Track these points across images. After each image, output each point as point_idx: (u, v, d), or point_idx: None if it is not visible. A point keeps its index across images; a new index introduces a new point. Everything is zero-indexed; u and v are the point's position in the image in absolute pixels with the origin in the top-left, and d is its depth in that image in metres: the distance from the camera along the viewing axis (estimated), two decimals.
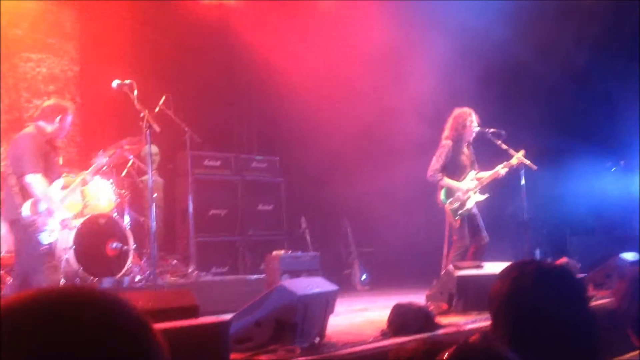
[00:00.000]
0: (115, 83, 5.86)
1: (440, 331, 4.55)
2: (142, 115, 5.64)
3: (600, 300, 5.84)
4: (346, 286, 9.28)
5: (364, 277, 9.55)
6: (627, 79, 10.94)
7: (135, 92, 5.79)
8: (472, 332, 4.34)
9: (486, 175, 6.97)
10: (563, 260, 7.10)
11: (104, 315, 1.05)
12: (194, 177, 7.99)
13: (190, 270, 6.85)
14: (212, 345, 3.20)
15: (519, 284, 1.80)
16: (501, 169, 6.93)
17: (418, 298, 5.94)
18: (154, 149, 8.37)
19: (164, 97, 7.13)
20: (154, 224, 5.77)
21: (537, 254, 9.30)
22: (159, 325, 3.04)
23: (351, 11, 9.76)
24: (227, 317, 3.76)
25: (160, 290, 5.17)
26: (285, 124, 9.81)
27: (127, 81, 5.85)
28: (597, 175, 10.49)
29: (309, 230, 9.23)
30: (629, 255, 7.19)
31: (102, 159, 6.32)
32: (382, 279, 9.71)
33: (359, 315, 5.98)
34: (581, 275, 6.15)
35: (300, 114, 9.68)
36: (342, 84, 9.63)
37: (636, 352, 2.46)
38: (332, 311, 4.55)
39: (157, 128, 5.65)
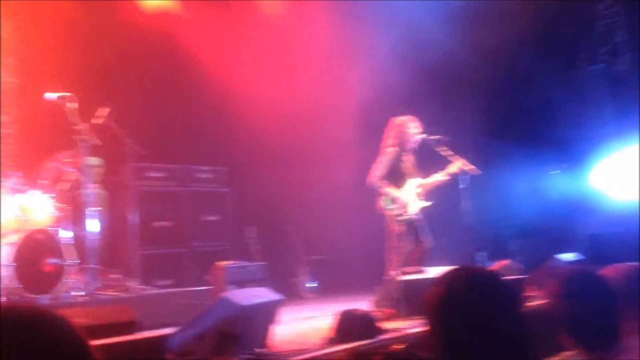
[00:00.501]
0: (54, 95, 5.72)
1: (385, 336, 4.58)
2: (80, 128, 5.51)
3: (540, 300, 5.98)
4: (293, 294, 9.27)
5: (311, 285, 9.55)
6: (567, 82, 11.28)
7: (76, 105, 5.65)
8: (415, 336, 4.39)
9: (428, 182, 7.07)
10: (505, 262, 7.25)
11: (40, 333, 1.07)
12: (137, 189, 7.87)
13: (133, 284, 6.72)
14: None
15: (452, 290, 1.83)
16: (442, 177, 7.04)
17: (364, 304, 5.98)
18: (97, 161, 8.21)
19: (106, 109, 7.00)
20: (91, 238, 5.63)
21: (481, 256, 9.46)
22: (96, 342, 2.98)
23: (294, 15, 9.78)
24: (167, 331, 3.71)
25: (98, 306, 5.05)
26: (232, 134, 9.74)
27: (67, 93, 5.72)
28: (540, 178, 10.75)
29: (256, 240, 9.19)
30: (567, 256, 7.39)
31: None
32: (329, 287, 9.74)
33: (305, 323, 5.98)
34: (523, 277, 6.29)
35: (246, 124, 9.63)
36: (288, 91, 9.62)
37: (570, 353, 2.52)
38: (276, 321, 4.54)
39: (96, 141, 5.53)
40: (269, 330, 4.36)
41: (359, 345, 4.27)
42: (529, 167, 10.74)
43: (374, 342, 4.38)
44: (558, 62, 11.83)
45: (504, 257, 8.24)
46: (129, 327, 3.46)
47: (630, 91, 10.71)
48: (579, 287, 2.45)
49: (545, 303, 2.69)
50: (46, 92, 5.81)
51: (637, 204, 9.66)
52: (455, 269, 1.92)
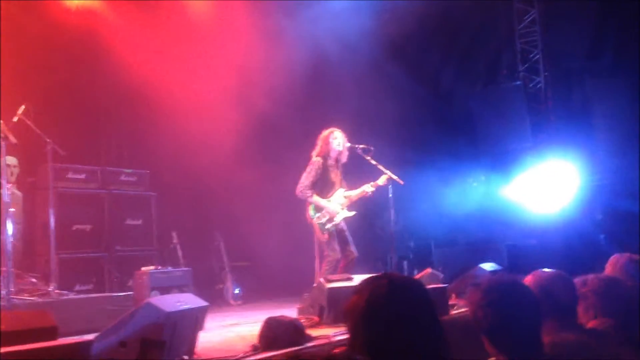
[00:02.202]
0: None
1: (311, 343, 4.58)
2: None
3: (461, 309, 6.13)
4: (219, 301, 9.17)
5: (237, 291, 9.47)
6: (488, 97, 11.66)
7: None
8: (341, 343, 4.41)
9: (354, 193, 7.16)
10: (427, 270, 7.40)
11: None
12: (55, 190, 7.58)
13: (50, 288, 6.46)
14: None
15: (371, 297, 1.86)
16: (368, 189, 7.15)
17: (290, 311, 5.97)
18: (12, 160, 7.86)
19: (23, 107, 6.73)
20: (8, 240, 5.38)
21: (405, 265, 9.65)
22: (13, 348, 2.83)
23: (220, 17, 9.71)
24: (89, 337, 3.58)
25: (15, 311, 4.83)
26: (156, 136, 9.56)
27: None
28: (461, 190, 11.06)
29: (180, 245, 9.03)
30: (487, 266, 7.62)
31: None
32: (255, 293, 9.69)
33: (231, 330, 5.91)
34: (444, 285, 6.44)
35: (171, 126, 9.48)
36: (213, 94, 9.54)
37: (492, 359, 2.58)
38: (202, 327, 4.46)
39: (13, 139, 5.29)
40: (194, 337, 4.28)
41: (285, 353, 4.25)
42: (450, 179, 11.04)
43: (300, 349, 4.38)
44: (479, 77, 12.25)
45: (426, 266, 8.43)
46: (50, 333, 3.32)
47: (545, 108, 11.19)
48: (501, 294, 2.50)
49: (468, 311, 2.74)
50: None
51: (552, 217, 10.09)
52: (375, 277, 1.95)
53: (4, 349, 2.75)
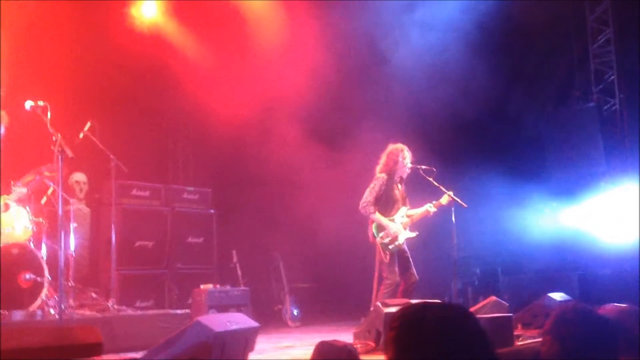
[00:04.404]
0: (28, 104, 5.58)
1: None
2: (54, 139, 5.36)
3: (527, 340, 5.82)
4: (277, 322, 9.08)
5: (295, 313, 9.35)
6: (559, 119, 11.25)
7: (49, 115, 5.51)
8: None
9: (417, 212, 6.93)
10: (492, 299, 7.09)
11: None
12: (119, 206, 7.70)
13: (110, 303, 6.52)
14: None
15: (403, 327, 1.70)
16: (431, 208, 6.91)
17: (347, 336, 5.80)
18: (82, 177, 8.07)
19: (89, 123, 6.88)
20: (69, 255, 5.45)
21: (469, 292, 9.32)
22: None
23: (294, 40, 9.73)
24: (135, 355, 3.52)
25: (63, 325, 4.85)
26: (219, 155, 9.63)
27: (41, 102, 5.58)
28: (530, 215, 10.66)
29: (240, 264, 9.01)
30: (556, 296, 7.25)
31: (20, 187, 6.04)
32: (315, 316, 9.55)
33: (285, 352, 5.79)
34: (509, 315, 6.14)
35: (235, 145, 9.53)
36: (278, 111, 9.54)
37: None
38: (252, 349, 4.36)
39: (70, 153, 5.37)
40: (244, 358, 4.18)
41: None
42: (519, 204, 10.64)
43: None
44: (550, 99, 11.85)
45: (492, 293, 8.09)
46: (94, 349, 3.27)
47: (621, 131, 10.70)
48: (574, 325, 2.29)
49: (538, 341, 2.53)
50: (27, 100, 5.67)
51: (628, 246, 9.56)
52: (410, 305, 1.79)
53: None
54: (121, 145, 7.68)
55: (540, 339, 2.51)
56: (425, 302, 1.80)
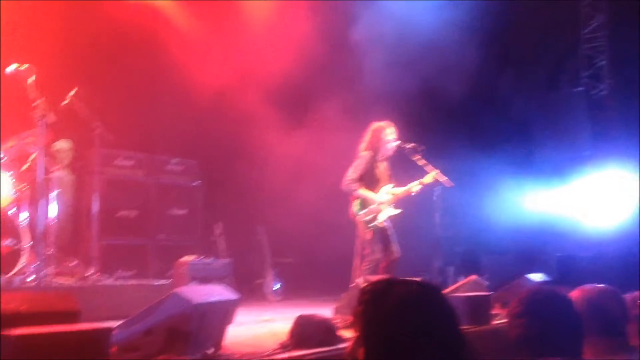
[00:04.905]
0: (10, 68, 5.46)
1: (342, 344, 4.42)
2: (36, 103, 5.27)
3: (504, 319, 5.87)
4: (258, 296, 9.10)
5: (276, 287, 9.37)
6: (547, 103, 11.27)
7: (33, 78, 5.39)
8: None
9: (400, 190, 6.94)
10: (472, 277, 7.14)
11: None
12: (102, 176, 7.64)
13: (90, 272, 6.49)
14: (90, 354, 2.95)
15: (372, 302, 1.71)
16: (414, 187, 6.91)
17: (328, 311, 5.82)
18: (67, 144, 7.97)
19: (75, 89, 6.77)
20: (49, 223, 5.40)
21: (449, 270, 9.38)
22: (29, 330, 2.75)
23: (281, 15, 9.63)
24: (112, 324, 3.51)
25: (40, 292, 4.83)
26: (206, 126, 9.55)
27: (24, 65, 5.46)
28: (514, 197, 10.71)
29: (223, 237, 9.00)
30: (535, 276, 7.31)
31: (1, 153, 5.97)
32: (296, 290, 9.57)
33: (264, 326, 5.80)
34: (487, 294, 6.19)
35: (223, 117, 9.46)
36: (267, 89, 9.47)
37: None
38: (231, 321, 4.36)
39: (52, 117, 5.28)
40: (222, 330, 4.18)
41: (315, 353, 4.11)
42: (504, 186, 10.69)
43: (330, 351, 4.23)
44: (539, 83, 11.85)
45: (473, 273, 8.14)
46: (71, 316, 3.26)
47: (609, 116, 10.74)
48: (539, 306, 2.32)
49: (506, 322, 2.56)
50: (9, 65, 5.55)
51: (609, 229, 9.65)
52: (377, 280, 1.80)
53: (19, 330, 2.68)
54: (107, 113, 7.59)
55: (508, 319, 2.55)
56: (391, 278, 1.80)
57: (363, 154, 6.84)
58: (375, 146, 6.85)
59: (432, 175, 6.88)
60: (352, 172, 6.76)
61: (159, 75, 9.88)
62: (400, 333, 1.64)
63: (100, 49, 8.77)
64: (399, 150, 7.02)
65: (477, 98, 11.05)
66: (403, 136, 7.13)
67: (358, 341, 1.72)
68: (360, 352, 1.71)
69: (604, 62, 10.77)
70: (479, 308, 5.51)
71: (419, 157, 7.00)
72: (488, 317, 5.67)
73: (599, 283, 3.29)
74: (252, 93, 9.48)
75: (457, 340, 1.67)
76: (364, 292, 1.75)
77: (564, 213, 10.25)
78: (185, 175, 9.06)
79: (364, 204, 6.74)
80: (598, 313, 2.67)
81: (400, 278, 1.82)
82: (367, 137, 6.92)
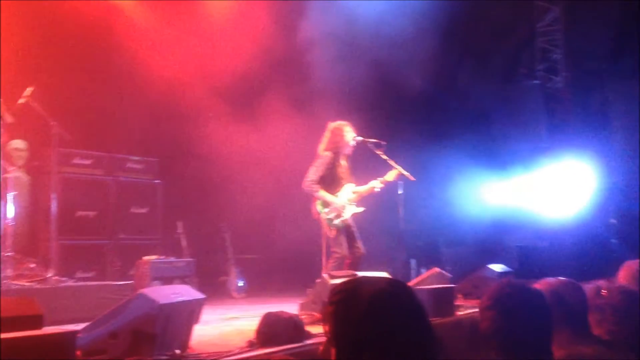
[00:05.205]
0: None
1: (310, 341, 4.43)
2: None
3: (468, 310, 5.97)
4: (222, 294, 9.05)
5: (240, 284, 9.33)
6: (504, 96, 11.45)
7: None
8: None
9: (363, 189, 6.96)
10: (435, 270, 7.23)
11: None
12: (60, 175, 7.48)
13: (49, 274, 6.36)
14: (55, 359, 2.89)
15: (343, 301, 1.72)
16: (377, 185, 6.95)
17: (294, 307, 5.82)
18: (22, 144, 7.78)
19: (30, 89, 6.62)
20: (6, 224, 5.27)
21: (413, 263, 9.48)
22: None
23: (239, 13, 9.56)
24: (76, 327, 3.45)
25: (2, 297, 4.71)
26: (165, 124, 9.43)
27: None
28: (473, 189, 10.86)
29: (185, 236, 8.92)
30: (496, 267, 7.44)
31: None
32: (260, 287, 9.55)
33: (230, 324, 5.77)
34: (451, 286, 6.27)
35: (182, 115, 9.36)
36: (223, 86, 9.40)
37: None
38: (197, 321, 4.32)
39: (9, 119, 5.16)
40: (189, 330, 4.15)
41: (282, 350, 4.11)
42: (463, 178, 10.83)
43: (298, 347, 4.23)
44: (497, 75, 12.02)
45: (435, 265, 8.24)
46: (34, 321, 3.19)
47: (565, 109, 10.96)
48: (513, 300, 2.35)
49: (477, 311, 2.59)
50: None
51: (566, 219, 9.87)
52: (347, 280, 1.81)
53: None
54: (64, 112, 7.43)
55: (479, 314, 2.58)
56: (362, 277, 1.81)
57: (323, 154, 6.82)
58: (335, 145, 6.85)
59: (394, 173, 6.92)
60: (313, 173, 6.75)
61: (115, 73, 9.72)
62: (371, 331, 1.65)
63: (55, 48, 8.59)
64: (362, 146, 7.04)
65: (437, 91, 11.16)
66: (364, 131, 7.15)
67: (330, 341, 1.73)
68: (332, 352, 1.71)
69: (559, 56, 10.98)
70: (443, 300, 5.58)
71: (382, 152, 7.02)
72: (452, 309, 5.74)
73: (557, 272, 3.37)
74: (209, 90, 9.41)
75: (427, 334, 1.70)
76: (334, 292, 1.76)
77: (523, 204, 10.44)
78: (145, 173, 8.93)
79: (327, 203, 6.76)
80: (560, 304, 2.72)
81: (368, 274, 1.83)
82: (326, 136, 6.91)
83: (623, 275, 3.50)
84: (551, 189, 10.21)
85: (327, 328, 1.75)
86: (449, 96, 11.52)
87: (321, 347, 1.82)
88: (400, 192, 7.14)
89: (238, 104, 9.47)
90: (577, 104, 10.93)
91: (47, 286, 6.06)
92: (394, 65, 10.10)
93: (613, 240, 9.59)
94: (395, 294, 1.73)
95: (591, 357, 2.52)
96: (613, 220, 9.99)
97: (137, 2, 9.34)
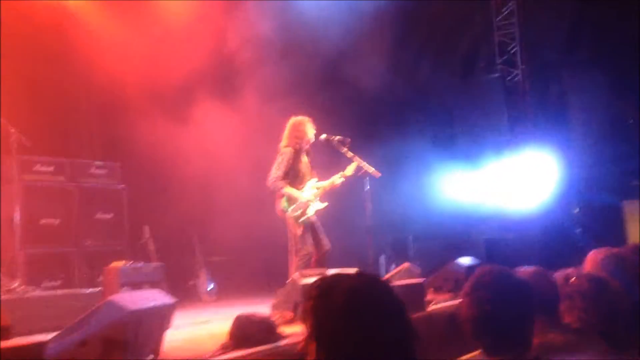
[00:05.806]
0: None
1: (283, 341, 4.42)
2: None
3: (439, 304, 6.02)
4: (192, 297, 8.97)
5: (210, 287, 9.27)
6: (465, 89, 11.58)
7: None
8: None
9: (324, 184, 6.97)
10: (406, 265, 7.28)
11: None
12: (22, 183, 7.33)
13: (15, 285, 6.23)
14: None
15: (322, 298, 1.72)
16: (337, 179, 6.96)
17: (265, 308, 5.80)
18: None
19: None
20: None
21: (382, 259, 9.53)
22: None
23: (190, 12, 9.49)
24: (44, 337, 3.39)
25: None
26: (128, 128, 9.31)
27: None
28: (438, 183, 10.95)
29: (152, 240, 8.82)
30: (465, 260, 7.52)
31: None
32: (230, 289, 9.50)
33: (201, 328, 5.74)
34: (421, 280, 6.32)
35: (145, 118, 9.24)
36: (189, 86, 9.32)
37: (476, 352, 2.44)
38: (169, 325, 4.28)
39: None
40: (160, 336, 4.10)
41: (256, 352, 4.09)
42: (428, 173, 10.93)
43: (271, 349, 4.22)
44: (457, 69, 12.16)
45: (405, 260, 8.30)
46: (1, 333, 3.12)
47: (524, 101, 11.12)
48: (494, 288, 2.35)
49: (448, 305, 2.61)
50: None
51: (530, 211, 10.03)
52: (326, 276, 1.82)
53: None
54: (23, 119, 7.29)
55: (452, 302, 2.60)
56: (340, 273, 1.81)
57: (285, 150, 6.80)
58: (296, 141, 6.84)
59: (353, 166, 6.91)
60: (276, 170, 6.72)
61: (74, 78, 9.57)
62: (350, 326, 1.66)
63: (11, 53, 8.41)
64: (326, 143, 7.04)
65: (398, 87, 11.22)
66: (325, 127, 7.15)
67: (309, 337, 1.73)
68: (312, 348, 1.71)
69: (516, 49, 11.12)
70: (414, 295, 5.61)
71: (346, 149, 7.03)
72: (423, 304, 5.79)
73: (525, 263, 3.41)
74: (169, 91, 9.32)
75: (406, 327, 1.71)
76: (312, 288, 1.76)
77: (488, 197, 10.56)
78: (109, 179, 8.80)
79: (291, 200, 6.75)
80: (540, 294, 2.75)
81: (348, 272, 1.83)
82: (286, 132, 6.89)
83: (589, 265, 3.57)
84: (515, 181, 10.36)
85: (306, 324, 1.75)
86: (411, 91, 11.61)
87: (301, 344, 1.81)
88: (367, 188, 7.16)
89: (194, 104, 9.40)
90: (536, 96, 11.10)
91: (14, 296, 5.93)
92: (351, 61, 10.14)
93: (577, 230, 9.77)
94: (373, 288, 1.75)
95: (561, 345, 2.56)
96: (576, 210, 10.18)
97: (91, 3, 9.19)
